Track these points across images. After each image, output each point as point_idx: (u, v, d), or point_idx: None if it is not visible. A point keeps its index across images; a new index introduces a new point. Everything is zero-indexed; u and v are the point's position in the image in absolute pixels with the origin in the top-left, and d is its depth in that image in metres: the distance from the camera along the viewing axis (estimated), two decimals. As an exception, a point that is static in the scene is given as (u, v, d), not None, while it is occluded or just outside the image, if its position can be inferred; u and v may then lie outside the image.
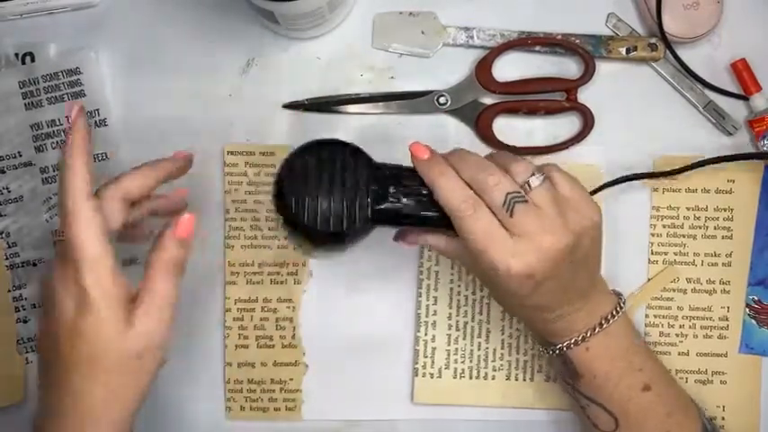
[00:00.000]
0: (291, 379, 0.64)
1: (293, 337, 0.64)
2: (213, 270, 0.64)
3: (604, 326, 0.52)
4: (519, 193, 0.49)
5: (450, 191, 0.50)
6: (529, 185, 0.50)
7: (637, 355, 0.54)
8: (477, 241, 0.49)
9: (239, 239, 0.64)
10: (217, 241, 0.64)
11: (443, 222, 0.51)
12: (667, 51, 0.63)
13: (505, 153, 0.53)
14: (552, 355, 0.54)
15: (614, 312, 0.53)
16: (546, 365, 0.63)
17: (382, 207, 0.52)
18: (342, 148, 0.52)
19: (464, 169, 0.51)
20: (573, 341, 0.52)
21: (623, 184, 0.61)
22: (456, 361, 0.64)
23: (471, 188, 0.50)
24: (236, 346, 0.64)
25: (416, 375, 0.64)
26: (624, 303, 0.54)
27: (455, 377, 0.64)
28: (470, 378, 0.64)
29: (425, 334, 0.64)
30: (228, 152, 0.64)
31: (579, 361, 0.53)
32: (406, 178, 0.52)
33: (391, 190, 0.52)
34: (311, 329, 0.64)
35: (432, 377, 0.64)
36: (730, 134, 0.64)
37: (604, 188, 0.61)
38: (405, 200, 0.52)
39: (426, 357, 0.64)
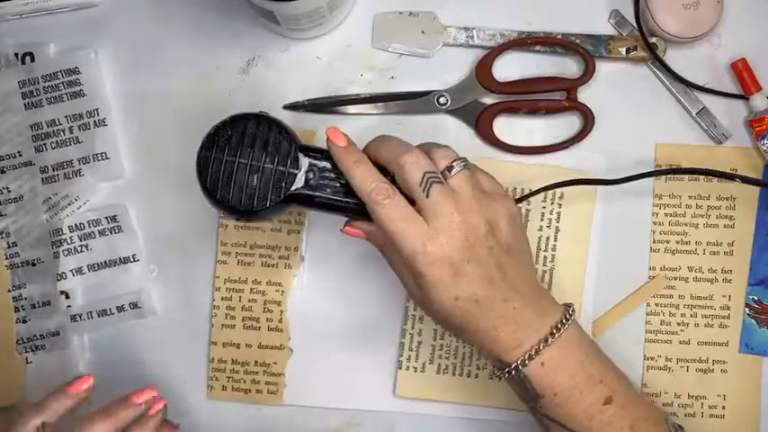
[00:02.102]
0: (275, 362, 0.64)
1: (280, 320, 0.64)
2: (205, 248, 0.64)
3: (556, 335, 0.50)
4: (436, 174, 0.50)
5: (363, 179, 0.50)
6: (449, 171, 0.50)
7: (594, 366, 0.52)
8: (393, 226, 0.49)
9: (233, 219, 0.64)
10: (210, 219, 0.64)
11: (358, 210, 0.51)
12: (666, 53, 0.63)
13: (430, 142, 0.53)
14: (509, 377, 0.51)
15: (564, 320, 0.51)
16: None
17: (296, 190, 0.52)
18: (268, 125, 0.52)
19: (383, 151, 0.51)
20: (527, 356, 0.50)
21: (625, 168, 0.62)
22: (441, 357, 0.64)
23: (389, 172, 0.51)
24: (222, 325, 0.64)
25: (400, 368, 0.64)
26: (573, 312, 0.52)
27: (438, 372, 0.64)
28: (454, 375, 0.64)
29: (412, 327, 0.64)
30: None
31: (537, 378, 0.50)
32: (329, 163, 0.53)
33: (310, 174, 0.52)
34: (298, 314, 0.64)
35: (415, 371, 0.64)
36: (720, 142, 0.64)
37: (555, 187, 0.60)
38: (321, 184, 0.52)
39: (411, 351, 0.64)
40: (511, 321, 0.50)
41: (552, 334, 0.50)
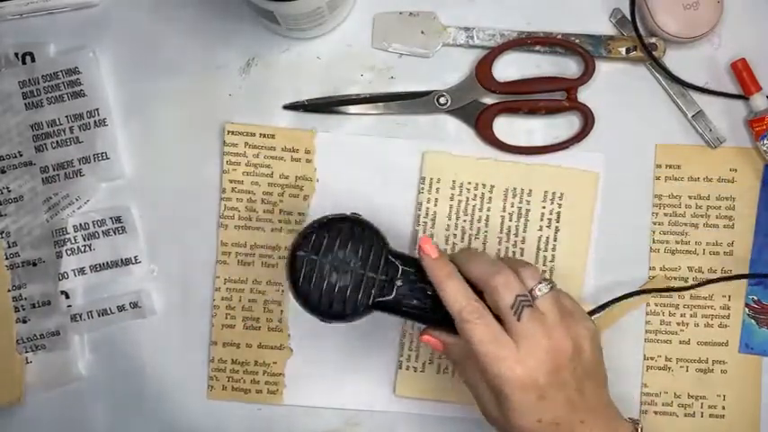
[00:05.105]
0: (275, 362, 0.64)
1: (280, 320, 0.64)
2: (205, 248, 0.64)
3: None
4: (527, 296, 0.49)
5: (456, 295, 0.50)
6: (535, 292, 0.50)
7: None
8: (483, 348, 0.48)
9: (233, 219, 0.64)
10: (210, 219, 0.64)
11: (444, 321, 0.51)
12: (665, 53, 0.63)
13: (515, 258, 0.53)
14: None
15: None
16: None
17: (385, 299, 0.52)
18: (362, 228, 0.52)
19: (474, 267, 0.51)
20: None
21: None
22: (441, 357, 0.63)
23: (478, 288, 0.50)
24: (222, 325, 0.64)
25: (400, 368, 0.64)
26: (642, 429, 0.52)
27: (438, 372, 0.64)
28: (454, 375, 0.64)
29: (412, 327, 0.64)
30: (229, 131, 0.64)
31: None
32: (417, 272, 0.52)
33: (398, 283, 0.52)
34: (298, 314, 0.63)
35: (415, 371, 0.64)
36: (714, 147, 0.64)
37: (608, 306, 0.60)
38: (409, 294, 0.52)
39: (411, 351, 0.64)
40: None
41: None
